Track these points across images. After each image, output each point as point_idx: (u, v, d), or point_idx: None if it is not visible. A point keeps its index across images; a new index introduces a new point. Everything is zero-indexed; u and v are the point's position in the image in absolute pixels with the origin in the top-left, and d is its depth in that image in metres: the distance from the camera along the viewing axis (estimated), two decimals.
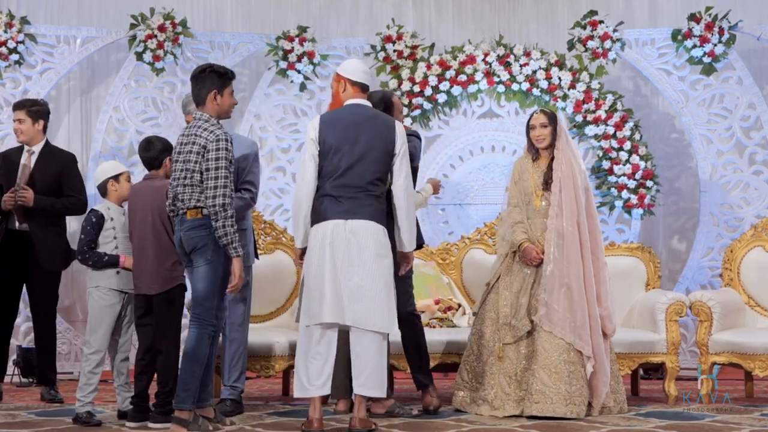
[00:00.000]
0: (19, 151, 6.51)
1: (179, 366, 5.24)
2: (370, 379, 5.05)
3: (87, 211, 5.58)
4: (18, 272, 6.38)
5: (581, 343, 5.49)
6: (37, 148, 6.48)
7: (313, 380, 5.05)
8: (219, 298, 5.11)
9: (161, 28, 8.00)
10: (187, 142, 5.10)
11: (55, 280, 6.48)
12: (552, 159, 5.74)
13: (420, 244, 5.90)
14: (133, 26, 8.06)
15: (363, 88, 5.29)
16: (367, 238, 5.06)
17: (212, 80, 5.14)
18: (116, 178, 5.55)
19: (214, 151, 4.99)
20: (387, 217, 5.23)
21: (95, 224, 5.45)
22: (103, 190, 5.57)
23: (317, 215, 5.14)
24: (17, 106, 6.55)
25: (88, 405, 5.36)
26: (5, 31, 7.81)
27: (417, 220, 5.86)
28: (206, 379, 5.21)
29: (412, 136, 5.88)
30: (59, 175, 6.42)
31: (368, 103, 5.31)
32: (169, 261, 5.31)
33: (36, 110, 6.49)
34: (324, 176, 5.15)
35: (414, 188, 5.73)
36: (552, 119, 5.77)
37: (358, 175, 5.10)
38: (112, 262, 5.42)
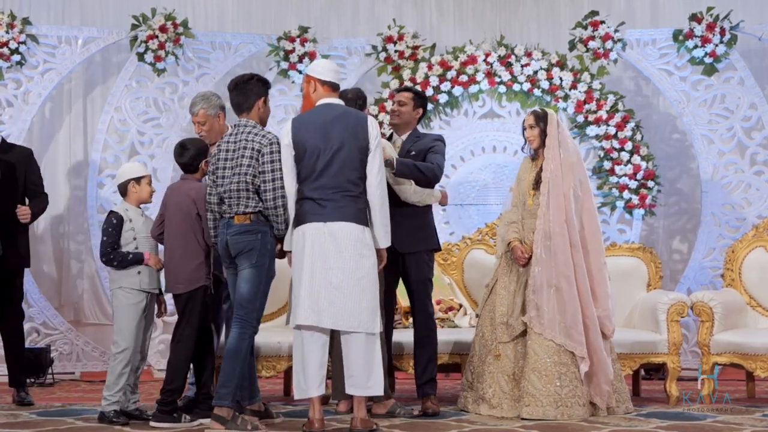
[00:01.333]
0: None
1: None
2: (359, 379, 5.07)
3: (107, 213, 5.62)
4: None
5: (572, 344, 5.47)
6: None
7: (309, 381, 5.06)
8: (262, 300, 5.19)
9: (162, 29, 8.00)
10: (236, 148, 5.19)
11: (21, 279, 6.45)
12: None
13: (436, 247, 5.92)
14: (134, 27, 8.06)
15: (333, 87, 5.28)
16: (345, 240, 5.04)
17: (259, 88, 5.31)
18: (138, 180, 5.58)
19: (269, 154, 5.13)
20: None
21: (116, 226, 5.49)
22: (123, 190, 5.60)
23: (297, 218, 5.16)
24: None
25: (114, 404, 5.39)
26: (7, 32, 7.82)
27: (433, 222, 5.90)
28: (253, 376, 5.44)
29: (439, 142, 5.90)
30: (22, 170, 6.36)
31: (340, 102, 5.29)
32: (194, 262, 5.37)
33: None
34: (302, 179, 5.15)
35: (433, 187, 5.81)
36: (539, 120, 5.75)
37: (334, 175, 5.08)
38: (137, 259, 5.46)
